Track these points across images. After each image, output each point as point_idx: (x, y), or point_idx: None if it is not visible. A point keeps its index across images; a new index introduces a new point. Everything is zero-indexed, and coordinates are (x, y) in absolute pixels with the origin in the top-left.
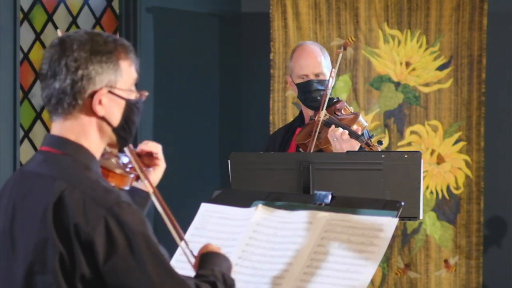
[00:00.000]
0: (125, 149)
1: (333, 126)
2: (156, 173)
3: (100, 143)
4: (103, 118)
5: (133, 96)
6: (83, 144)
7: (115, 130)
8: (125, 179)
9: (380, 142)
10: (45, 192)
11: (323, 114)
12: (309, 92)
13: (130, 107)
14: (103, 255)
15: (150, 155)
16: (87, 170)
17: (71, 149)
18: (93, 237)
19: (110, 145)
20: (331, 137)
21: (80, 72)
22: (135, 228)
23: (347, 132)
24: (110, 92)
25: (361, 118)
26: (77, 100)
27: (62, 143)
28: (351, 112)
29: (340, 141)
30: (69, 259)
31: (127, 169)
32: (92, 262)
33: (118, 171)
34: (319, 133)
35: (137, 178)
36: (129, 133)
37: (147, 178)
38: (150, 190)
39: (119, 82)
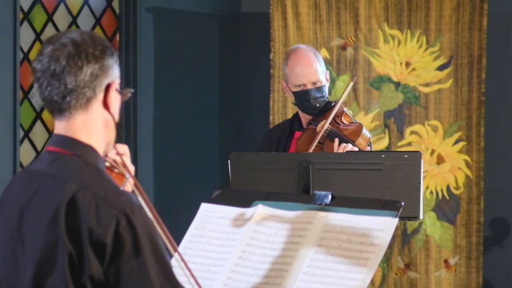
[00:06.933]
0: (112, 150)
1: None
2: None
3: (103, 140)
4: (110, 113)
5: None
6: (91, 144)
7: (117, 126)
8: (123, 179)
9: None
10: (55, 192)
11: (326, 125)
12: (307, 101)
13: (121, 104)
14: (109, 255)
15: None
16: (97, 171)
17: (80, 150)
18: (105, 238)
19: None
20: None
21: (98, 65)
22: (144, 232)
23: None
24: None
25: (364, 130)
26: (96, 93)
27: (71, 143)
28: (352, 120)
29: None
30: (78, 260)
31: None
32: (103, 263)
33: (116, 170)
34: (321, 143)
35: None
36: (122, 130)
37: (134, 179)
38: (136, 191)
39: (117, 78)
